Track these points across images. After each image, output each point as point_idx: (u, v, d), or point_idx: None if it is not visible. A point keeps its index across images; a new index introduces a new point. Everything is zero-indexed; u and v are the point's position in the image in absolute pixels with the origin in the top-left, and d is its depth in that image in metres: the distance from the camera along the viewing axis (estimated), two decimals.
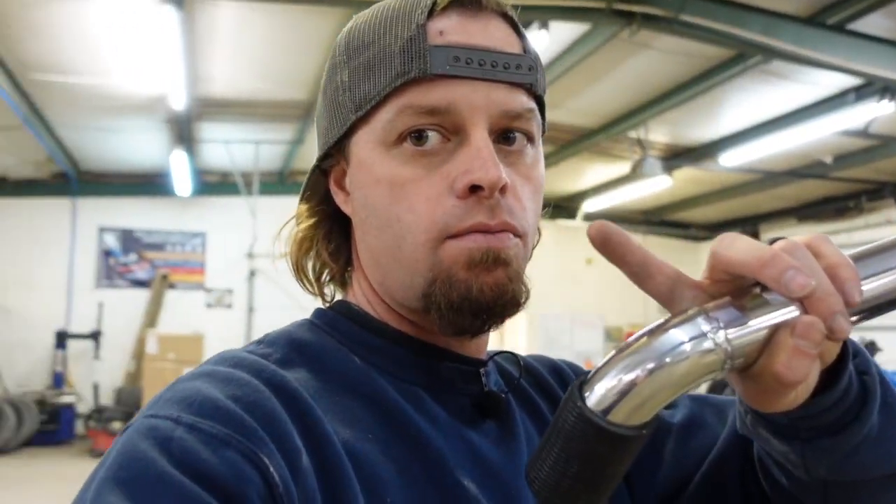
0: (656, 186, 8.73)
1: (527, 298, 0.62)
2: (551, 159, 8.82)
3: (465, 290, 0.58)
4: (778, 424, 0.54)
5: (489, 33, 0.60)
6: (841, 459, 0.54)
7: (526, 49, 0.62)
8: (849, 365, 0.52)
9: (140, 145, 8.68)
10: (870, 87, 6.14)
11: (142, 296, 9.97)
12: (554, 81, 6.46)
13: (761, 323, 0.43)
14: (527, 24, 5.41)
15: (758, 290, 0.45)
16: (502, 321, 0.61)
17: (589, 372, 0.44)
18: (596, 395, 0.42)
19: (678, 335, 0.42)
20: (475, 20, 0.60)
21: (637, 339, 0.44)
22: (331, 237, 0.69)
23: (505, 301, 0.59)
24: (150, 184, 9.76)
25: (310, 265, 0.70)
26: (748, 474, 0.65)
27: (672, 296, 0.50)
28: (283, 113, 7.76)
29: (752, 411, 0.55)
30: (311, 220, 0.69)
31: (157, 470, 0.44)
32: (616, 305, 11.25)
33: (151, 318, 9.80)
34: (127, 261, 10.12)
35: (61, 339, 9.23)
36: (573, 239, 9.63)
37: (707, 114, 7.29)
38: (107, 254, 10.05)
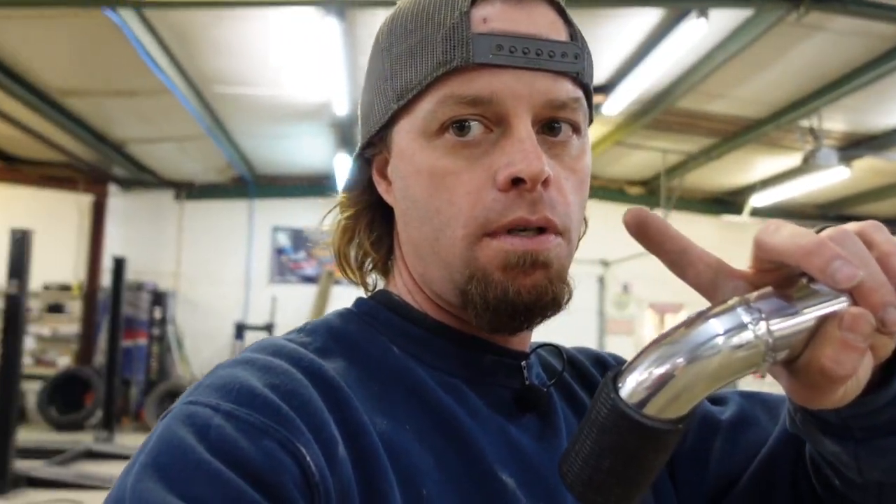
0: (832, 178, 8.07)
1: (569, 298, 0.60)
2: (715, 152, 8.44)
3: (502, 291, 0.57)
4: (829, 423, 0.51)
5: (534, 20, 0.58)
6: None
7: (573, 36, 0.60)
8: None
9: (308, 150, 9.20)
10: None
11: (310, 291, 10.56)
12: (714, 71, 6.19)
13: (807, 314, 0.41)
14: (684, 14, 5.30)
15: (805, 280, 0.43)
16: (542, 321, 0.60)
17: (624, 363, 0.43)
18: (630, 388, 0.41)
19: (716, 326, 0.40)
20: (520, 7, 0.59)
21: (674, 330, 0.42)
22: (373, 226, 0.69)
23: (545, 303, 0.58)
24: (317, 185, 10.32)
25: (352, 254, 0.69)
26: (799, 474, 0.62)
27: (714, 286, 0.48)
28: None
29: (802, 409, 0.53)
30: (354, 209, 0.69)
31: (194, 457, 0.44)
32: None
33: (319, 312, 10.36)
34: (297, 258, 10.77)
35: (240, 329, 9.94)
36: (739, 236, 9.15)
37: (889, 98, 6.68)
38: (279, 251, 10.75)
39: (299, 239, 10.75)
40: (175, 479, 0.43)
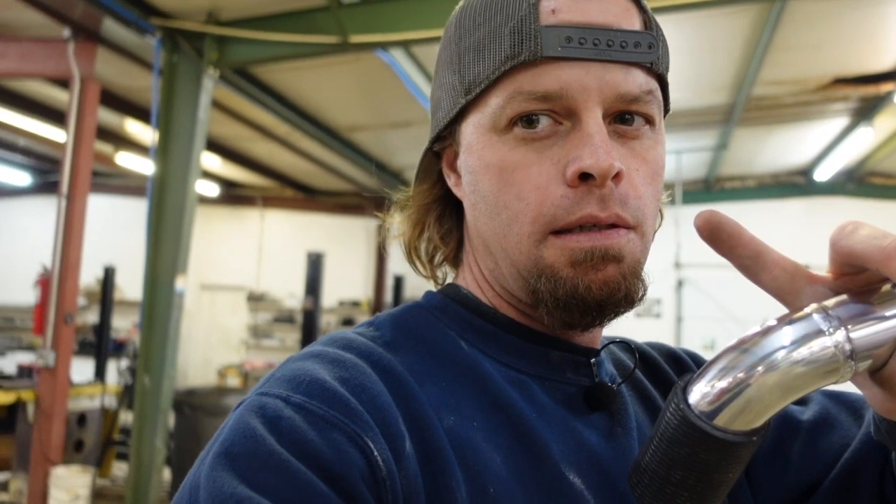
0: None
1: (644, 294, 0.58)
2: None
3: (572, 287, 0.55)
4: None
5: (605, 8, 0.56)
6: None
7: (647, 24, 0.58)
8: None
9: None
10: None
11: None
12: None
13: (891, 322, 0.38)
14: None
15: (889, 285, 0.40)
16: (615, 318, 0.58)
17: (699, 363, 0.41)
18: (700, 397, 0.40)
19: (792, 334, 0.39)
20: None
21: (748, 338, 0.40)
22: (442, 220, 0.68)
23: (618, 299, 0.56)
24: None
25: (423, 247, 0.69)
26: (886, 481, 0.58)
27: (791, 291, 0.46)
28: (702, 120, 7.59)
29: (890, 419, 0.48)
30: (424, 202, 0.68)
31: (265, 448, 0.45)
32: None
33: None
34: None
35: None
36: None
37: None
38: None
39: None
40: (246, 469, 0.44)
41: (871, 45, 5.73)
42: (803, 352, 0.38)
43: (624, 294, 0.56)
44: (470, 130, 0.60)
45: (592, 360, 0.63)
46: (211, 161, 8.88)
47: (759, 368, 0.38)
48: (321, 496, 0.44)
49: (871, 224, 0.41)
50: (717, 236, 0.47)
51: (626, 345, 0.71)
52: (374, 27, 5.36)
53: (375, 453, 0.47)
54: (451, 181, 0.66)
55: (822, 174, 9.18)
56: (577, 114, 0.55)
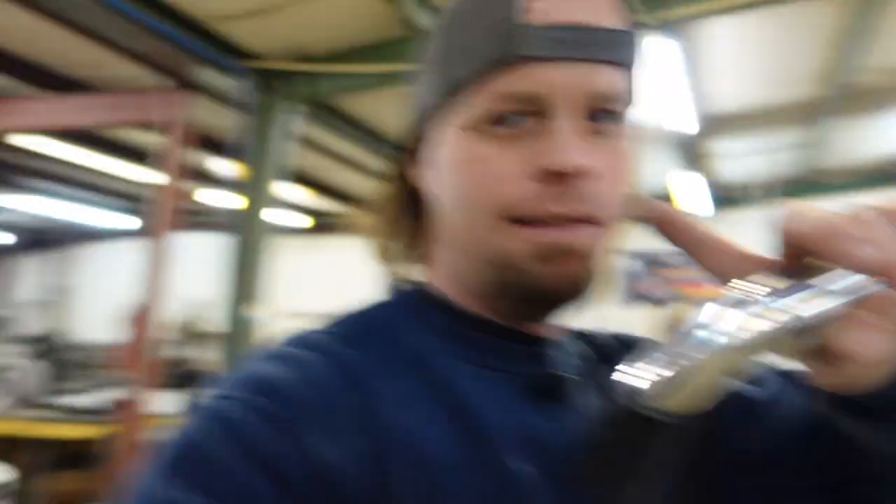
0: None
1: (601, 285, 0.59)
2: None
3: (537, 281, 0.56)
4: (856, 405, 0.49)
5: (587, 8, 0.56)
6: None
7: (625, 21, 0.58)
8: None
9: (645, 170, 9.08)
10: None
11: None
12: None
13: (833, 299, 0.40)
14: None
15: (829, 264, 0.42)
16: (575, 308, 0.59)
17: (647, 349, 0.41)
18: (645, 381, 0.40)
19: (737, 314, 0.39)
20: None
21: (692, 320, 0.40)
22: (408, 215, 0.68)
23: (577, 292, 0.57)
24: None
25: (392, 245, 0.69)
26: (833, 454, 0.58)
27: (737, 275, 0.46)
28: (791, 116, 7.32)
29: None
30: (393, 197, 0.69)
31: (215, 451, 0.46)
32: None
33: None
34: (650, 280, 10.64)
35: None
36: None
37: None
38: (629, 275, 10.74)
39: (653, 262, 10.63)
40: (197, 473, 0.45)
41: None
42: (748, 331, 0.38)
43: (584, 288, 0.57)
44: (444, 127, 0.61)
45: (551, 350, 0.64)
46: (299, 193, 9.11)
47: (706, 349, 0.38)
48: (272, 498, 0.45)
49: (815, 207, 0.42)
50: (662, 224, 0.50)
51: (584, 335, 0.72)
52: None
53: (329, 451, 0.48)
54: (418, 178, 0.66)
55: None
56: (549, 111, 0.55)
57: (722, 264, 0.49)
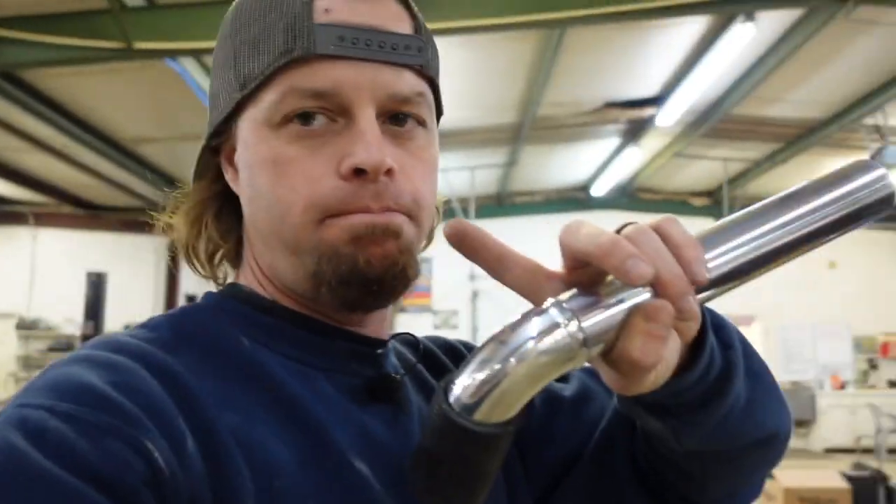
0: None
1: (416, 275, 0.60)
2: (779, 157, 8.25)
3: (352, 262, 0.56)
4: (647, 403, 0.53)
5: (377, 12, 0.58)
6: (710, 431, 0.54)
7: (418, 29, 0.61)
8: (708, 340, 0.51)
9: None
10: None
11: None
12: (769, 75, 6.09)
13: (614, 309, 0.43)
14: (730, 19, 5.24)
15: (611, 276, 0.44)
16: (395, 296, 0.60)
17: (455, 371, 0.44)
18: (459, 395, 0.43)
19: (533, 328, 0.42)
20: None
21: (497, 335, 0.43)
22: (221, 217, 0.67)
23: (395, 273, 0.57)
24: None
25: (202, 246, 0.67)
26: (636, 444, 0.64)
27: (532, 288, 0.49)
28: (493, 137, 8.04)
29: None
30: (201, 199, 0.66)
31: (30, 465, 0.41)
32: (866, 313, 10.13)
33: None
34: None
35: None
36: None
37: None
38: None
39: None
40: (11, 491, 0.41)
41: (637, 73, 6.39)
42: (545, 343, 0.41)
43: (401, 269, 0.58)
44: (246, 126, 0.61)
45: (378, 351, 0.64)
46: None
47: (506, 363, 0.42)
48: None
49: (591, 223, 0.45)
50: (463, 242, 0.50)
51: (408, 339, 0.73)
52: (162, 34, 5.12)
53: (156, 454, 0.45)
54: (228, 176, 0.65)
55: (598, 189, 10.07)
56: (350, 111, 0.57)
57: (519, 278, 0.50)
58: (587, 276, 0.46)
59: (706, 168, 9.14)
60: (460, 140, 8.05)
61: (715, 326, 0.54)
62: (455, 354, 0.76)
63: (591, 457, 0.68)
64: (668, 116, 6.99)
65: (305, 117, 0.57)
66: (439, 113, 0.65)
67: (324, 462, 0.55)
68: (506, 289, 0.58)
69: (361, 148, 0.55)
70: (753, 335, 10.30)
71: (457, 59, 6.07)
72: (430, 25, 0.62)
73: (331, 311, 0.61)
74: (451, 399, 0.43)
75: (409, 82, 0.59)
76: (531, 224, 9.43)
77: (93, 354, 0.52)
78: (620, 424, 0.66)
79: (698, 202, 10.51)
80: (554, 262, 0.49)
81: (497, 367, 0.42)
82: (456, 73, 6.39)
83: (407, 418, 0.63)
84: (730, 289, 0.48)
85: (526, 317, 0.43)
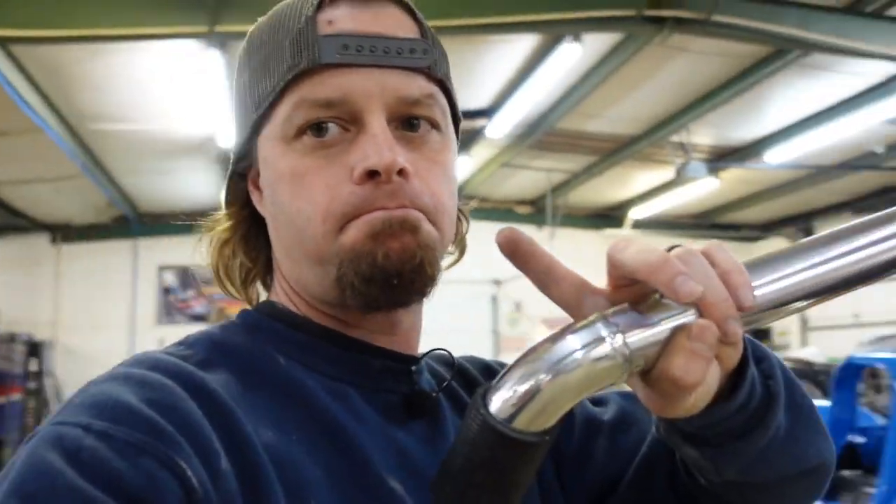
0: (703, 189, 8.63)
1: (436, 274, 0.60)
2: (595, 169, 8.81)
3: (372, 258, 0.56)
4: (686, 432, 0.54)
5: (380, 20, 0.59)
6: (750, 462, 0.54)
7: (423, 33, 0.62)
8: (749, 371, 0.52)
9: (193, 185, 8.95)
10: None
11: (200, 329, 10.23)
12: (591, 92, 6.49)
13: (659, 327, 0.43)
14: (559, 39, 5.55)
15: (658, 295, 0.45)
16: (417, 293, 0.59)
17: (494, 379, 0.44)
18: (499, 403, 0.43)
19: (577, 341, 0.42)
20: (366, 8, 0.60)
21: (538, 346, 0.44)
22: (248, 238, 0.68)
23: (414, 266, 0.57)
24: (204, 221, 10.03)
25: (236, 269, 0.69)
26: (676, 471, 0.64)
27: (577, 303, 0.49)
28: None
29: (663, 418, 0.55)
30: (231, 223, 0.68)
31: (65, 483, 0.41)
32: None
33: None
34: (185, 297, 10.40)
35: None
36: None
37: (750, 112, 7.20)
38: (167, 291, 10.36)
39: (187, 277, 10.40)
40: None
41: (470, 86, 6.57)
42: (587, 356, 0.42)
43: (419, 262, 0.57)
44: (264, 144, 0.62)
45: (413, 367, 0.64)
46: None
47: (548, 374, 0.42)
48: None
49: (641, 240, 0.46)
50: (515, 251, 0.50)
51: (442, 356, 0.73)
52: None
53: (189, 473, 0.45)
54: (255, 198, 0.66)
55: None
56: (361, 118, 0.58)
57: (565, 293, 0.49)
58: (632, 293, 0.46)
59: (531, 178, 9.58)
60: None
61: (756, 357, 0.54)
62: (491, 373, 0.76)
63: (631, 483, 0.68)
64: (498, 128, 7.25)
65: (319, 129, 0.58)
66: (457, 118, 0.66)
67: (358, 480, 0.55)
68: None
69: (373, 151, 0.56)
70: None
71: None
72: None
73: (360, 321, 0.61)
74: (490, 406, 0.43)
75: (417, 85, 0.59)
76: None
77: (130, 372, 0.52)
78: (660, 453, 0.66)
79: (523, 210, 10.99)
80: None
81: (541, 377, 0.42)
82: None
83: (442, 436, 0.63)
84: (774, 318, 0.49)
85: (570, 329, 0.43)
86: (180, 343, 0.61)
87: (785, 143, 7.48)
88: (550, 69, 5.91)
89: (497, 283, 10.54)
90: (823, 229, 0.53)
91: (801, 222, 10.85)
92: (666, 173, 8.80)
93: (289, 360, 0.60)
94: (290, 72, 0.58)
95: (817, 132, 7.02)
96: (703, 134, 7.84)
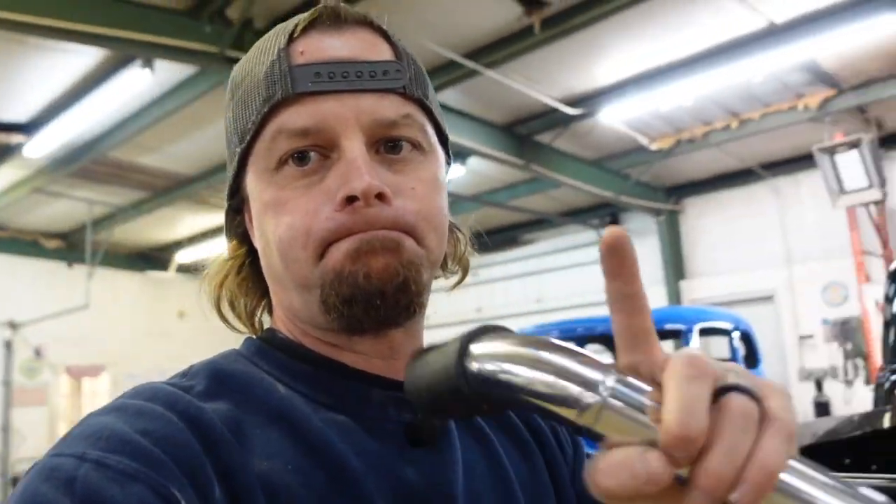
0: None
1: (422, 292, 0.59)
2: (144, 206, 8.37)
3: (353, 279, 0.56)
4: None
5: (351, 45, 0.60)
6: None
7: (398, 55, 0.62)
8: None
9: None
10: None
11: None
12: (153, 124, 6.20)
13: (641, 418, 0.37)
14: (128, 60, 5.18)
15: None
16: (399, 312, 0.58)
17: (505, 329, 0.45)
18: (483, 346, 0.44)
19: (582, 368, 0.40)
20: (336, 35, 0.61)
21: (557, 346, 0.42)
22: (242, 270, 0.68)
23: (397, 285, 0.56)
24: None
25: (241, 303, 0.69)
26: None
27: (629, 346, 0.41)
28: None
29: None
30: (230, 258, 0.68)
31: None
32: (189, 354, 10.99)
33: None
34: None
35: None
36: (165, 291, 9.15)
37: None
38: None
39: None
40: None
41: (8, 93, 5.72)
42: (571, 380, 0.40)
43: (402, 281, 0.57)
44: (250, 178, 0.63)
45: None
46: None
47: (533, 364, 0.41)
48: None
49: (709, 359, 0.38)
50: (614, 257, 0.40)
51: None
52: None
53: (182, 502, 0.46)
54: (251, 232, 0.66)
55: None
56: (338, 144, 0.58)
57: (623, 328, 0.40)
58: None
59: (67, 208, 8.63)
60: None
61: None
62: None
63: None
64: (39, 148, 6.41)
65: (301, 158, 0.59)
66: (443, 137, 0.66)
67: None
68: None
69: (351, 176, 0.56)
70: (103, 385, 10.01)
71: None
72: None
73: (353, 345, 0.62)
74: (474, 346, 0.44)
75: (393, 106, 0.60)
76: None
77: (127, 403, 0.53)
78: None
79: (52, 244, 9.81)
80: None
81: (531, 356, 0.42)
82: None
83: (446, 465, 0.62)
84: None
85: (590, 357, 0.41)
86: (183, 373, 0.61)
87: None
88: (113, 91, 5.51)
89: (13, 326, 9.11)
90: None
91: None
92: (218, 217, 8.75)
93: (288, 390, 0.60)
94: (265, 104, 0.59)
95: None
96: None
